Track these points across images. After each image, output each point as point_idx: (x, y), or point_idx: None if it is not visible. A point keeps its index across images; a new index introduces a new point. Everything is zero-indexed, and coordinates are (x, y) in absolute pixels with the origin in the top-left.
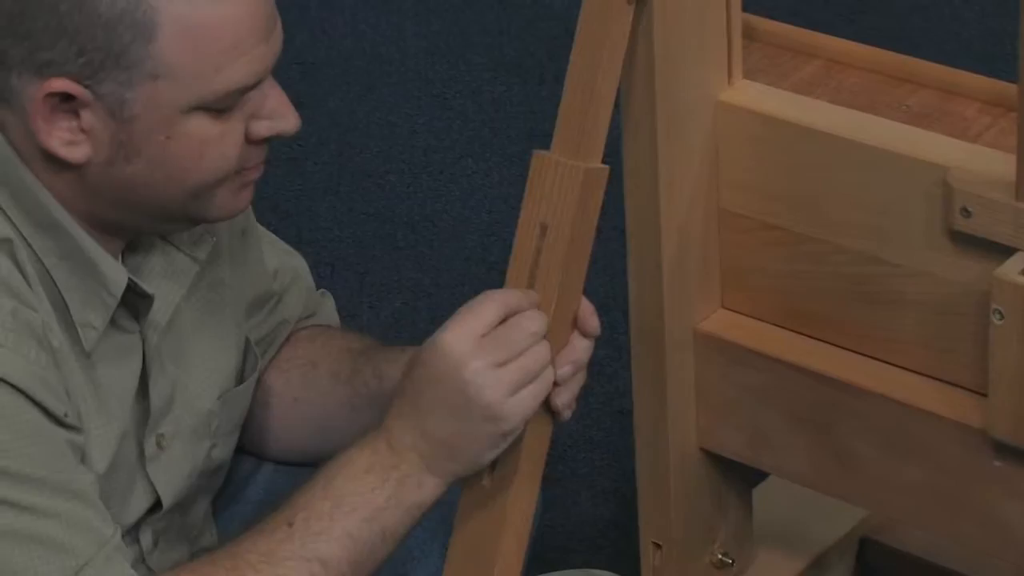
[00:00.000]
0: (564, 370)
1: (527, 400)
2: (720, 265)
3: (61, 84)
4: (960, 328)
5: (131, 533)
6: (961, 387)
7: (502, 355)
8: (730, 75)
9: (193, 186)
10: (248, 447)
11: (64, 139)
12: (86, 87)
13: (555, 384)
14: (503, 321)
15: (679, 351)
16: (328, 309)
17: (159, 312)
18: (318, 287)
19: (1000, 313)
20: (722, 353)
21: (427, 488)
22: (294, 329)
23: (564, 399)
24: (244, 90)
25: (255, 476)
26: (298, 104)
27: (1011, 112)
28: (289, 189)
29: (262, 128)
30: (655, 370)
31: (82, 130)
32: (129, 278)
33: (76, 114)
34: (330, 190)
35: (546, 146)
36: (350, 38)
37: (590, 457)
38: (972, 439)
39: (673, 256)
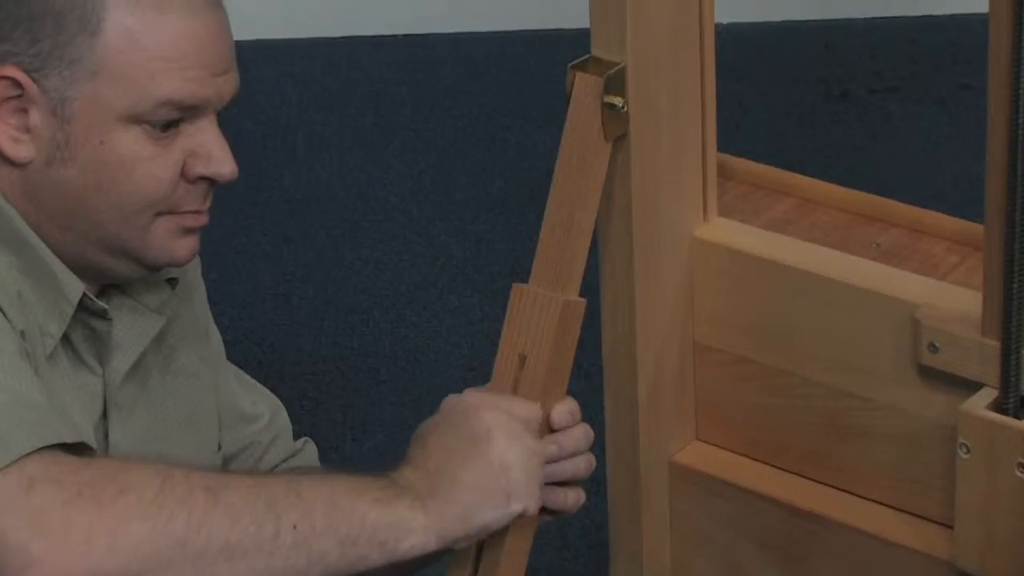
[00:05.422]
0: (550, 448)
1: (533, 465)
2: (695, 397)
3: (13, 71)
4: (927, 461)
5: None
6: (929, 519)
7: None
8: (705, 212)
9: (123, 203)
10: None
11: (10, 135)
12: (34, 80)
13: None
14: None
15: (654, 482)
16: (310, 453)
17: (121, 356)
18: (302, 420)
19: (966, 447)
20: (696, 484)
21: (414, 528)
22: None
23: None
24: (179, 107)
25: None
26: (285, 240)
27: (979, 251)
28: (275, 323)
29: (198, 165)
30: (631, 501)
31: (27, 129)
32: (84, 292)
33: (24, 112)
34: (315, 325)
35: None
36: (336, 176)
37: None
38: (939, 570)
39: (649, 388)
